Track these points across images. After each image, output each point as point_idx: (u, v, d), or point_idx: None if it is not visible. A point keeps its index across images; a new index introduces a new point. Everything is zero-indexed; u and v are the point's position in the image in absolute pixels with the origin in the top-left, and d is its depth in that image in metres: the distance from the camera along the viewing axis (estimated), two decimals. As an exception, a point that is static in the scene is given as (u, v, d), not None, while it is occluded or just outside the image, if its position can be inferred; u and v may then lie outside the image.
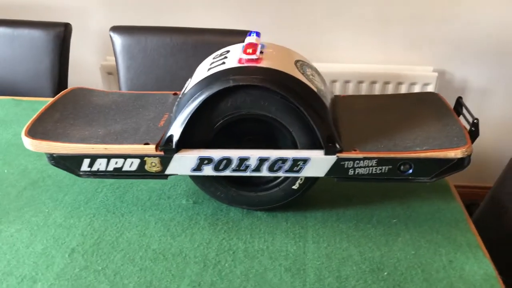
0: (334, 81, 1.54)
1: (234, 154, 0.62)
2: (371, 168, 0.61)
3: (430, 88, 1.51)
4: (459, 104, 0.69)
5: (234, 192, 0.68)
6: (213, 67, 0.63)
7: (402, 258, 0.62)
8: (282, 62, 0.63)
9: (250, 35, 0.67)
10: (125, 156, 0.63)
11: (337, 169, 0.62)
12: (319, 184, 0.75)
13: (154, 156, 0.63)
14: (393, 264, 0.61)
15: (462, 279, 0.59)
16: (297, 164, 0.62)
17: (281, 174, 0.63)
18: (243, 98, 0.60)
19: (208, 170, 0.63)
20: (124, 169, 0.65)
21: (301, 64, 0.66)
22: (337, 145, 0.61)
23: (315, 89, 0.62)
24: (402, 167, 0.61)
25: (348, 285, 0.58)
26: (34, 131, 0.66)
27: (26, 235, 0.66)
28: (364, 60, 1.57)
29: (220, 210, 0.71)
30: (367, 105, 0.74)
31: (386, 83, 1.53)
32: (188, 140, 0.63)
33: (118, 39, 1.21)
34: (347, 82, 1.54)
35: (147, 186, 0.77)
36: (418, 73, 1.50)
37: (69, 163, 0.65)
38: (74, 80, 1.65)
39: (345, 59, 1.57)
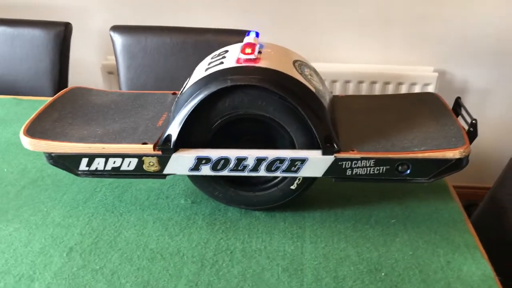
0: (334, 81, 1.54)
1: (232, 154, 0.62)
2: (368, 168, 0.61)
3: (430, 88, 1.51)
4: (458, 105, 0.69)
5: (232, 192, 0.68)
6: (211, 67, 0.63)
7: (400, 259, 0.62)
8: (280, 62, 0.63)
9: (248, 35, 0.67)
10: (123, 156, 0.64)
11: (334, 169, 0.62)
12: (317, 184, 0.75)
13: (152, 155, 0.63)
14: (391, 265, 0.61)
15: (460, 280, 0.59)
16: (294, 164, 0.62)
17: (278, 174, 0.63)
18: (241, 98, 0.60)
19: (206, 170, 0.63)
20: (122, 168, 0.65)
21: (299, 64, 0.66)
22: (335, 145, 0.61)
23: (313, 89, 0.62)
24: (400, 167, 0.61)
25: (345, 285, 0.58)
26: (33, 130, 0.66)
27: (25, 234, 0.66)
28: (365, 60, 1.57)
29: (218, 210, 0.71)
30: (366, 105, 0.74)
31: (386, 83, 1.53)
32: (186, 140, 0.63)
33: (118, 39, 1.21)
34: (347, 82, 1.53)
35: (145, 185, 0.77)
36: (419, 73, 1.50)
37: (67, 162, 0.65)
38: (75, 79, 1.66)
39: (345, 59, 1.57)
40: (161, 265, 0.61)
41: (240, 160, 0.62)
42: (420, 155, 0.60)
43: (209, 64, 0.65)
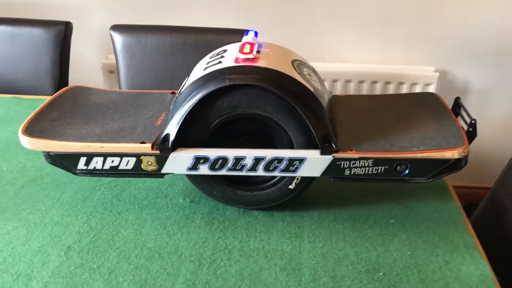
0: (335, 81, 1.54)
1: (230, 153, 0.62)
2: (367, 168, 0.61)
3: (431, 88, 1.50)
4: (457, 105, 0.69)
5: (230, 191, 0.68)
6: (209, 66, 0.63)
7: (398, 259, 0.62)
8: (279, 61, 0.63)
9: (247, 34, 0.67)
10: (121, 155, 0.64)
11: (333, 169, 0.62)
12: (316, 184, 0.75)
13: (150, 155, 0.63)
14: (389, 265, 0.61)
15: (458, 280, 0.58)
16: (293, 164, 0.62)
17: (276, 173, 0.63)
18: (239, 98, 0.60)
19: (204, 169, 0.63)
20: (120, 167, 0.65)
21: (298, 63, 0.66)
22: (333, 145, 0.60)
23: (311, 89, 0.62)
24: (398, 167, 0.61)
25: (343, 285, 0.58)
26: (31, 129, 0.66)
27: (23, 233, 0.66)
28: (366, 60, 1.57)
29: (217, 209, 0.71)
30: (365, 105, 0.74)
31: (387, 83, 1.52)
32: (184, 139, 0.63)
33: (118, 38, 1.21)
34: (348, 81, 1.53)
35: (144, 184, 0.77)
36: (420, 73, 1.49)
37: (65, 161, 0.65)
38: (76, 78, 1.66)
39: (346, 59, 1.57)
40: (159, 264, 0.61)
41: (238, 159, 0.62)
42: (418, 155, 0.59)
43: (207, 63, 0.65)
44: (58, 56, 1.23)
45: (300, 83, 0.61)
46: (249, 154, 0.62)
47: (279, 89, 0.59)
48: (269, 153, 0.62)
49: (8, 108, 1.04)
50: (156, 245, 0.64)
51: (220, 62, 0.63)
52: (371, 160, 0.60)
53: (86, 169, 0.66)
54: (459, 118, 0.69)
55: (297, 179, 0.65)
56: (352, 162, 0.61)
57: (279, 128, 0.63)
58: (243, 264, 0.61)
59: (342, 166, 0.61)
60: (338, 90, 1.55)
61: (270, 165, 0.62)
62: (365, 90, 1.54)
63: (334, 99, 0.75)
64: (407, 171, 0.61)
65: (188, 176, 0.68)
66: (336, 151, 0.61)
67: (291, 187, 0.66)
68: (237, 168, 0.63)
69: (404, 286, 0.58)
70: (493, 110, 1.61)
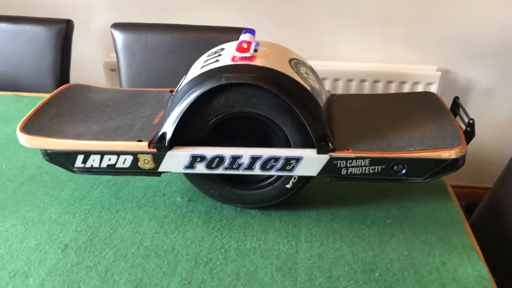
0: (336, 80, 1.53)
1: (227, 152, 0.62)
2: (364, 167, 0.61)
3: (433, 88, 1.49)
4: (456, 105, 0.69)
5: (227, 190, 0.68)
6: (207, 65, 0.63)
7: (395, 259, 0.61)
8: (276, 60, 0.63)
9: (245, 33, 0.67)
10: (118, 153, 0.64)
11: (329, 169, 0.61)
12: (313, 183, 0.75)
13: (147, 153, 0.63)
14: (386, 265, 0.61)
15: (455, 281, 0.58)
16: (289, 163, 0.61)
17: (273, 172, 0.63)
18: (236, 96, 0.60)
19: (200, 168, 0.63)
20: (117, 166, 0.65)
21: (295, 62, 0.65)
22: (330, 144, 0.60)
23: (308, 88, 0.62)
24: (395, 167, 0.61)
25: (339, 285, 0.58)
26: (30, 127, 0.66)
27: (21, 230, 0.67)
28: (367, 59, 1.56)
29: (214, 208, 0.71)
30: (364, 104, 0.73)
31: (389, 82, 1.52)
32: (181, 138, 0.63)
33: (119, 36, 1.21)
34: (349, 80, 1.53)
35: (143, 183, 0.77)
36: (422, 73, 1.49)
37: (63, 159, 0.65)
38: (78, 77, 1.66)
39: (348, 58, 1.57)
40: (155, 262, 0.61)
41: (235, 158, 0.62)
42: (415, 155, 0.59)
43: (205, 61, 0.65)
44: (59, 54, 1.23)
45: (297, 82, 0.61)
46: (245, 153, 0.62)
47: (275, 88, 0.58)
48: (265, 152, 0.62)
49: (9, 106, 1.04)
50: (152, 244, 0.64)
51: (217, 60, 0.63)
52: (367, 160, 0.60)
53: (84, 167, 0.66)
54: (458, 118, 0.69)
55: (294, 178, 0.65)
56: (348, 162, 0.61)
57: (276, 127, 0.62)
58: (239, 263, 0.61)
59: (338, 165, 0.61)
60: (340, 89, 1.55)
61: (266, 164, 0.62)
62: (366, 89, 1.53)
63: (332, 98, 0.75)
64: (404, 171, 0.61)
65: (186, 174, 0.68)
66: (333, 151, 0.60)
67: (288, 186, 0.66)
68: (233, 167, 0.63)
69: (400, 286, 0.57)
70: (496, 110, 1.60)
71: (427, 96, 0.74)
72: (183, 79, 0.67)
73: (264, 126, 0.64)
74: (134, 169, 0.65)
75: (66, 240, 0.65)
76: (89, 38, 1.62)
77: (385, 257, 0.62)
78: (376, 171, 0.61)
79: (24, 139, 0.65)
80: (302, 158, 0.61)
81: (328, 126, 0.63)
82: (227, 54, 0.64)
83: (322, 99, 0.65)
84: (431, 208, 0.71)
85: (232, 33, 1.16)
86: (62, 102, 0.74)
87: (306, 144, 0.62)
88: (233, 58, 0.62)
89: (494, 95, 1.57)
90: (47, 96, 1.10)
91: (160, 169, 0.64)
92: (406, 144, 0.61)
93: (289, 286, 0.57)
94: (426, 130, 0.64)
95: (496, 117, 1.61)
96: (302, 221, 0.68)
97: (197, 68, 0.64)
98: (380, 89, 1.53)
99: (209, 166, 0.63)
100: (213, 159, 0.62)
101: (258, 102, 0.60)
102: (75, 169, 0.66)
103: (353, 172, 0.61)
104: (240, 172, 0.63)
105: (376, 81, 1.52)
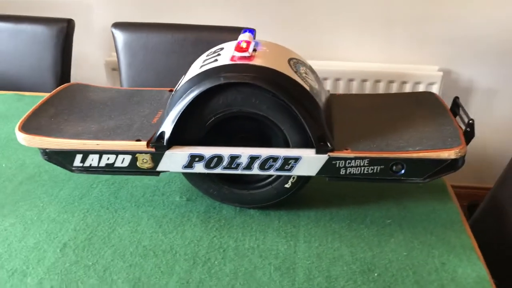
0: (338, 79, 1.53)
1: (225, 151, 0.62)
2: (362, 168, 0.61)
3: (435, 87, 1.49)
4: (456, 105, 0.68)
5: (226, 189, 0.68)
6: (205, 64, 0.63)
7: (394, 260, 0.61)
8: (275, 60, 0.63)
9: (244, 32, 0.67)
10: (117, 152, 0.64)
11: (328, 168, 0.61)
12: (312, 183, 0.75)
13: (146, 152, 0.63)
14: (384, 265, 0.60)
15: (454, 281, 0.58)
16: (288, 162, 0.61)
17: (272, 172, 0.63)
18: (234, 96, 0.60)
19: (199, 168, 0.63)
20: (116, 165, 0.65)
21: (294, 62, 0.65)
22: (329, 144, 0.60)
23: (307, 88, 0.61)
24: (394, 167, 0.60)
25: (338, 285, 0.57)
26: (28, 126, 0.66)
27: (20, 229, 0.67)
28: (369, 59, 1.56)
29: (213, 208, 0.71)
30: (363, 104, 0.73)
31: (391, 82, 1.51)
32: (180, 137, 0.63)
33: (119, 35, 1.21)
34: (351, 80, 1.52)
35: (142, 182, 0.77)
36: (423, 73, 1.48)
37: (61, 158, 0.65)
38: (79, 76, 1.67)
39: (349, 57, 1.56)
40: (153, 262, 0.61)
41: (233, 158, 0.62)
42: (414, 155, 0.59)
43: (204, 61, 0.65)
44: (60, 53, 1.23)
45: (295, 81, 0.61)
46: (244, 153, 0.62)
47: (274, 87, 0.58)
48: (264, 152, 0.61)
49: (10, 105, 1.05)
50: (151, 243, 0.64)
51: (216, 60, 0.63)
52: (366, 160, 0.60)
53: (82, 166, 0.66)
54: (458, 118, 0.68)
55: (293, 178, 0.65)
56: (347, 162, 0.60)
57: (275, 126, 0.62)
58: (238, 263, 0.61)
59: (337, 165, 0.61)
60: (341, 89, 1.54)
61: (265, 163, 0.62)
62: (368, 89, 1.53)
63: (332, 98, 0.75)
64: (403, 171, 0.61)
65: (184, 174, 0.68)
66: (332, 150, 0.60)
67: (287, 186, 0.66)
68: (232, 166, 0.63)
69: (399, 287, 0.57)
70: (498, 110, 1.59)
71: (427, 96, 0.74)
72: (182, 78, 0.67)
73: (262, 126, 0.63)
74: (133, 169, 0.65)
75: (65, 239, 0.65)
76: (90, 38, 1.62)
77: (384, 257, 0.62)
78: (375, 171, 0.61)
79: (23, 138, 0.65)
80: (301, 158, 0.61)
81: (327, 126, 0.62)
82: (226, 53, 0.64)
83: (321, 99, 0.64)
84: (430, 208, 0.71)
85: (232, 32, 1.16)
86: (61, 101, 0.75)
87: (305, 144, 0.62)
88: (232, 58, 0.62)
89: (496, 95, 1.56)
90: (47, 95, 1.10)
91: (159, 169, 0.64)
92: (405, 144, 0.61)
93: (287, 286, 0.57)
94: (426, 130, 0.63)
95: (498, 117, 1.60)
96: (301, 221, 0.68)
97: (196, 68, 0.64)
98: (381, 89, 1.52)
99: (207, 165, 0.63)
100: (211, 158, 0.62)
101: (257, 102, 0.60)
102: (73, 168, 0.66)
103: (352, 172, 0.61)
104: (238, 172, 0.63)
105: (378, 81, 1.52)
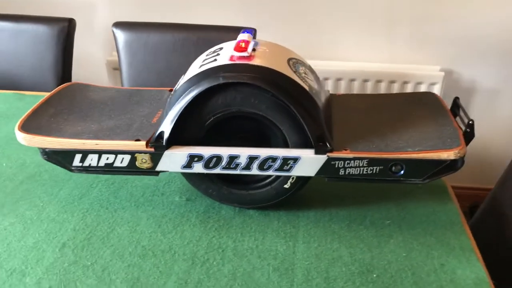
0: (339, 79, 1.53)
1: (224, 152, 0.62)
2: (362, 168, 0.60)
3: (436, 88, 1.49)
4: (456, 105, 0.68)
5: (225, 190, 0.68)
6: (204, 64, 0.63)
7: (393, 261, 0.61)
8: (274, 60, 0.62)
9: (243, 32, 0.67)
10: (116, 152, 0.64)
11: (327, 169, 0.61)
12: (312, 183, 0.74)
13: (145, 152, 0.63)
14: (383, 266, 0.60)
15: (453, 283, 0.58)
16: (287, 163, 0.61)
17: (271, 172, 0.62)
18: (233, 96, 0.60)
19: (198, 168, 0.63)
20: (115, 165, 0.65)
21: (294, 62, 0.65)
22: (328, 145, 0.60)
23: (306, 88, 0.61)
24: (393, 168, 0.60)
25: (336, 286, 0.57)
26: (28, 126, 0.66)
27: (19, 229, 0.67)
28: (370, 59, 1.55)
29: (212, 208, 0.71)
30: (363, 104, 0.73)
31: (392, 82, 1.51)
32: (179, 137, 0.63)
33: (120, 35, 1.21)
34: (352, 80, 1.52)
35: (141, 182, 0.77)
36: (425, 73, 1.48)
37: (61, 158, 0.66)
38: (80, 75, 1.67)
39: (350, 57, 1.56)
40: (152, 262, 0.61)
41: (232, 158, 0.62)
42: (414, 155, 0.59)
43: (203, 61, 0.65)
44: (61, 53, 1.23)
45: (295, 81, 0.60)
46: (243, 153, 0.61)
47: (273, 87, 0.58)
48: (263, 152, 0.61)
49: (10, 104, 1.05)
50: (150, 243, 0.64)
51: (215, 60, 0.63)
52: (365, 160, 0.60)
53: (82, 166, 0.66)
54: (458, 118, 0.68)
55: (292, 178, 0.65)
56: (346, 162, 0.60)
57: (274, 126, 0.62)
58: (236, 263, 0.61)
59: (336, 166, 0.61)
60: (342, 89, 1.54)
61: (264, 164, 0.62)
62: (369, 89, 1.52)
63: (332, 98, 0.75)
64: (402, 172, 0.61)
65: (184, 174, 0.68)
66: (331, 151, 0.60)
67: (286, 186, 0.66)
68: (231, 166, 0.62)
69: (398, 288, 0.57)
70: (500, 110, 1.59)
71: (427, 96, 0.73)
72: (181, 78, 0.67)
73: (262, 126, 0.63)
74: (132, 168, 0.65)
75: (64, 239, 0.65)
76: (91, 37, 1.62)
77: (383, 259, 0.61)
78: (374, 171, 0.61)
79: (23, 138, 0.65)
80: (300, 158, 0.61)
81: (327, 126, 0.62)
82: (225, 53, 0.64)
83: (321, 99, 0.64)
84: (430, 209, 0.70)
85: (233, 32, 1.16)
86: (61, 101, 0.75)
87: (304, 144, 0.62)
88: (231, 58, 0.62)
89: (498, 96, 1.56)
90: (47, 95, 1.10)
91: (158, 169, 0.64)
92: (404, 145, 0.60)
93: (286, 286, 0.57)
94: (425, 131, 0.63)
95: (500, 118, 1.60)
96: (300, 222, 0.68)
97: (195, 68, 0.64)
98: (382, 89, 1.52)
99: (206, 165, 0.63)
100: (210, 158, 0.62)
101: (256, 102, 0.60)
102: (73, 168, 0.67)
103: (351, 173, 0.61)
104: (237, 172, 0.63)
105: (379, 81, 1.51)
